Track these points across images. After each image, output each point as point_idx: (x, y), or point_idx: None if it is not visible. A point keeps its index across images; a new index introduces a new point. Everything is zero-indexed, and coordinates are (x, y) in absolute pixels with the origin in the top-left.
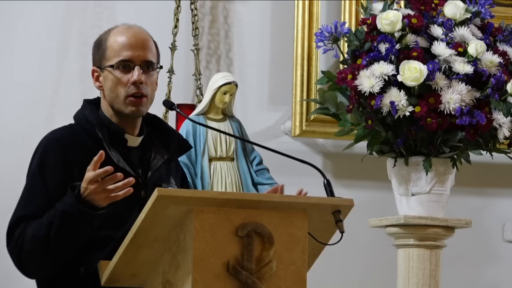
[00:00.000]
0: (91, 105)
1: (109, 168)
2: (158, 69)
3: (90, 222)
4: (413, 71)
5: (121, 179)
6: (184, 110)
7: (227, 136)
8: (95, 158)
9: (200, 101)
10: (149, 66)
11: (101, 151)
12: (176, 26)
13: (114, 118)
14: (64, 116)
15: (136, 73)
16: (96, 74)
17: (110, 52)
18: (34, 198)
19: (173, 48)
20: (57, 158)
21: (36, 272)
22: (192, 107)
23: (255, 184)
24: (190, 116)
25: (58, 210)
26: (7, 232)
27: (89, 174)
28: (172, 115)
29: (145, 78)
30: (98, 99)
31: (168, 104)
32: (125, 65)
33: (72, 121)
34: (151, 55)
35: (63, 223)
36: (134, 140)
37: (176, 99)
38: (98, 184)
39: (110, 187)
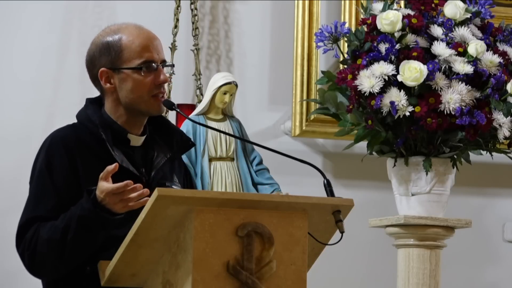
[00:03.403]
0: (94, 104)
1: (128, 182)
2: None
3: (107, 226)
4: (413, 71)
5: (140, 189)
6: (184, 110)
7: (227, 136)
8: (109, 168)
9: (200, 101)
10: (167, 66)
11: (116, 164)
12: (176, 26)
13: (121, 118)
14: (64, 116)
15: (163, 74)
16: (105, 75)
17: (128, 53)
18: (44, 199)
19: (173, 48)
20: (63, 157)
21: (49, 274)
22: (192, 107)
23: (255, 184)
24: (190, 116)
25: (74, 214)
26: (17, 233)
27: (106, 186)
28: (172, 115)
29: None
30: (99, 97)
31: (168, 104)
32: (149, 66)
33: (72, 121)
34: (164, 54)
35: (80, 227)
36: (137, 140)
37: (176, 99)
38: (116, 196)
39: (131, 195)
